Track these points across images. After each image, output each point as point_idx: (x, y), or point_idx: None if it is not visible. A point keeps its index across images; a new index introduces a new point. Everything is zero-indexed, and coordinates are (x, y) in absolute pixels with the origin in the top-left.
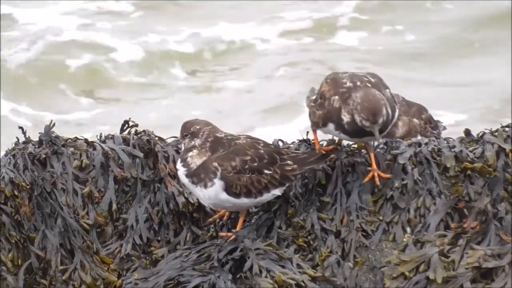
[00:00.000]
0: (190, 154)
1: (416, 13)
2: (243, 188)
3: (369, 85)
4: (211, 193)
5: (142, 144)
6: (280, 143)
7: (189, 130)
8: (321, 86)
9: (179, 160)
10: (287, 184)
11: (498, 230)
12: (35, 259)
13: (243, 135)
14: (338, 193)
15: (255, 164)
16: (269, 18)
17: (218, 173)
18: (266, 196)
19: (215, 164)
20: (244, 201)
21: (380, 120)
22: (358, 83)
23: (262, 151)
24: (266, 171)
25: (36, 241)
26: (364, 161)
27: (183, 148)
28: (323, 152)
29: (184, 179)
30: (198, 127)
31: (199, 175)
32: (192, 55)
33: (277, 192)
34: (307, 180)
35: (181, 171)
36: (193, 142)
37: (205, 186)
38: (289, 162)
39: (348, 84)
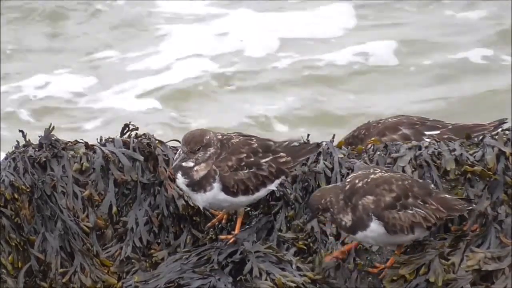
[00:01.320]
0: (196, 168)
1: None
2: (241, 185)
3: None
4: (209, 196)
5: (142, 148)
6: None
7: (201, 142)
8: None
9: (179, 173)
10: (281, 178)
11: (498, 233)
12: (35, 262)
13: (234, 133)
14: None
15: (251, 159)
16: None
17: (217, 176)
18: (262, 192)
19: (214, 167)
20: (241, 199)
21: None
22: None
23: (255, 145)
24: (262, 162)
25: (36, 243)
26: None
27: (182, 158)
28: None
29: (184, 187)
30: (208, 137)
31: (200, 183)
32: None
33: (273, 186)
34: (307, 183)
35: (181, 181)
36: (208, 153)
37: (205, 191)
38: (282, 154)
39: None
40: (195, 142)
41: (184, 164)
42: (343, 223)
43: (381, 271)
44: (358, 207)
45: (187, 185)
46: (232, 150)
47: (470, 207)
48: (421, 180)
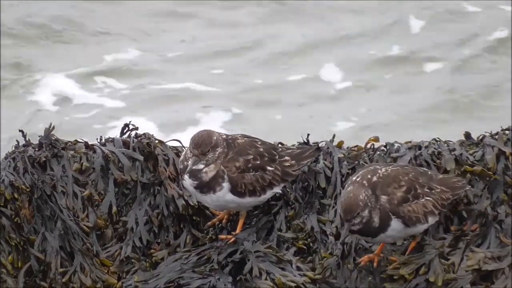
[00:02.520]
0: (205, 170)
1: None
2: (249, 186)
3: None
4: (219, 196)
5: (142, 147)
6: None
7: (210, 143)
8: None
9: (186, 175)
10: (287, 181)
11: (498, 233)
12: (35, 262)
13: (238, 134)
14: (338, 195)
15: (258, 162)
16: None
17: (225, 176)
18: (269, 194)
19: (222, 167)
20: (248, 200)
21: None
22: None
23: (261, 149)
24: (268, 168)
25: (36, 243)
26: (364, 164)
27: (195, 161)
28: None
29: (192, 190)
30: (215, 137)
31: (210, 184)
32: None
33: (278, 189)
34: (307, 183)
35: (189, 183)
36: (217, 154)
37: (215, 192)
38: (286, 158)
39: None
40: (206, 144)
41: (193, 167)
42: (373, 223)
43: (372, 261)
44: (381, 205)
45: (196, 187)
46: (239, 150)
47: (467, 186)
48: (418, 168)
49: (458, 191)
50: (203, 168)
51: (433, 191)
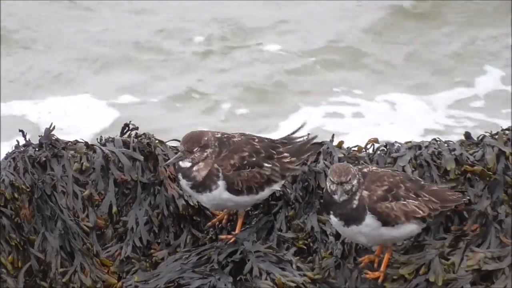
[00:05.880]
0: (195, 168)
1: None
2: (245, 183)
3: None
4: (216, 195)
5: (142, 147)
6: None
7: (199, 143)
8: None
9: (180, 175)
10: (287, 176)
11: (498, 233)
12: (35, 262)
13: (236, 133)
14: None
15: (253, 159)
16: None
17: (220, 174)
18: (267, 191)
19: (216, 166)
20: (245, 198)
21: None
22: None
23: (258, 146)
24: (265, 164)
25: (36, 243)
26: (363, 164)
27: (186, 159)
28: None
29: (189, 190)
30: (206, 138)
31: (204, 183)
32: None
33: (277, 187)
34: (307, 183)
35: (184, 183)
36: (205, 154)
37: (210, 191)
38: (285, 154)
39: None
40: (193, 142)
41: (182, 165)
42: (354, 202)
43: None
44: (361, 197)
45: (191, 187)
46: (234, 148)
47: (465, 199)
48: (412, 176)
49: (448, 204)
50: (192, 166)
51: (419, 198)
